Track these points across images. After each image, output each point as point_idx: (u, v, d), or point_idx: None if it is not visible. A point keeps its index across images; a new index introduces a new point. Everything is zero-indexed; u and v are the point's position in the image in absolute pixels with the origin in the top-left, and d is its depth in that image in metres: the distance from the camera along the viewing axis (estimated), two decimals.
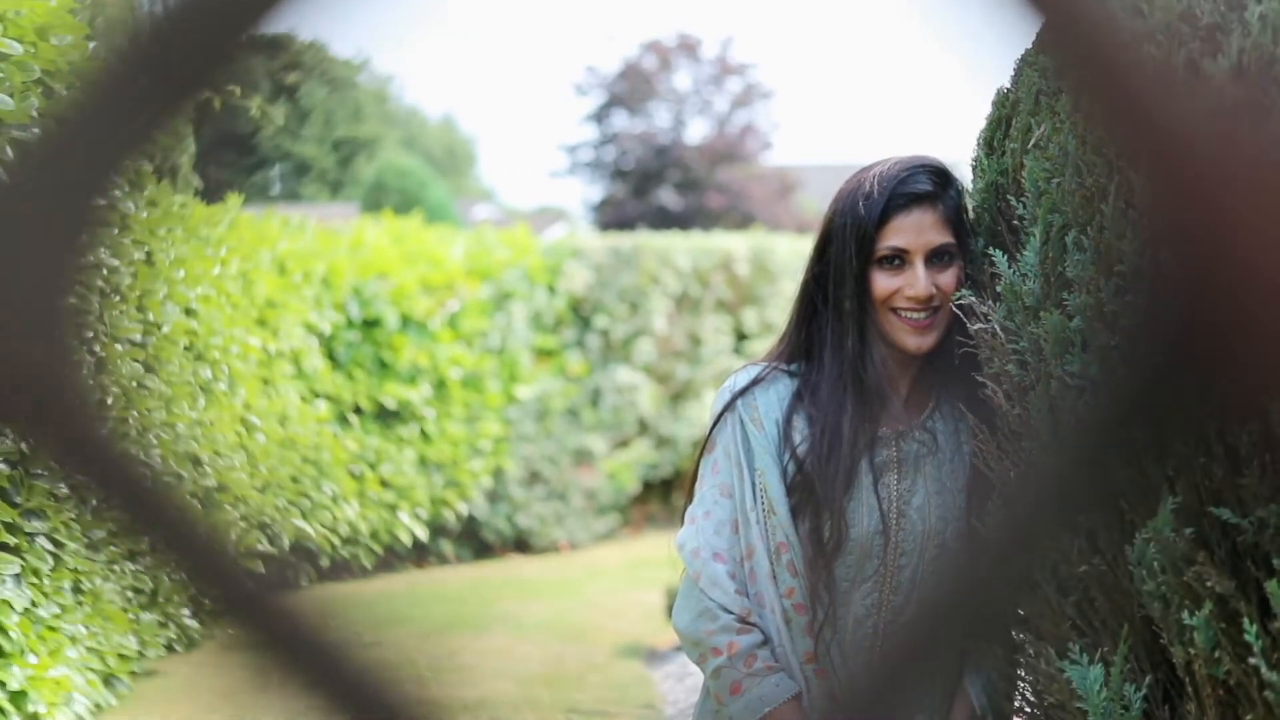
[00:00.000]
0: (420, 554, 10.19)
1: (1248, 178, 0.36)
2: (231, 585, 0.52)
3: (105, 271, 5.36)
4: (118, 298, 5.69)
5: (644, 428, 12.15)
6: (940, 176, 2.47)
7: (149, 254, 6.47)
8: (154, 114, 0.35)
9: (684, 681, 6.98)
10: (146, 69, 0.34)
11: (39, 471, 4.41)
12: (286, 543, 8.86)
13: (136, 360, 5.97)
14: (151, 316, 6.38)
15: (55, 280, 0.34)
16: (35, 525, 4.59)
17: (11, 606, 4.72)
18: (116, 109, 0.35)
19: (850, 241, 2.44)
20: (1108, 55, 0.40)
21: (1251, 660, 1.80)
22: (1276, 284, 0.37)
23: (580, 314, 11.76)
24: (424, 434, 9.83)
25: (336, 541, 9.33)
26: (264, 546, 8.10)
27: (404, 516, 9.71)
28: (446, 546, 10.35)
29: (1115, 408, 0.42)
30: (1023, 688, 2.40)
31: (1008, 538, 0.47)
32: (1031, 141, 2.27)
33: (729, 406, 2.53)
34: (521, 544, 10.81)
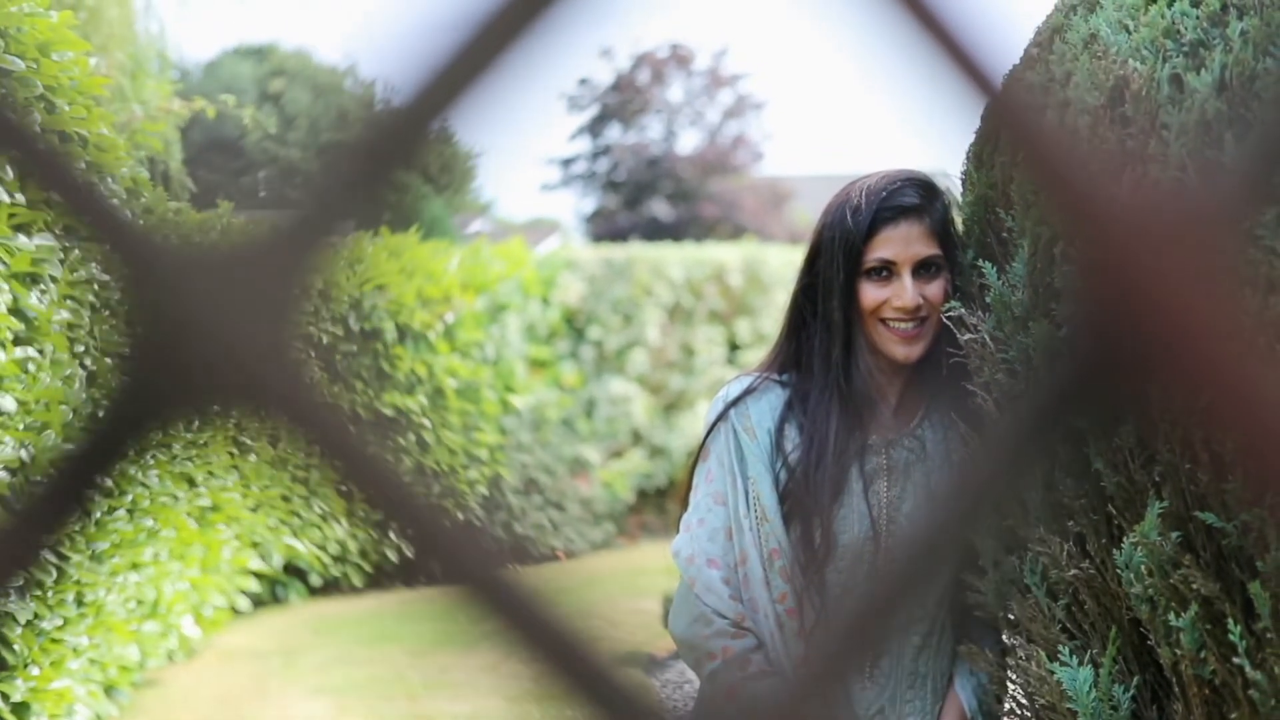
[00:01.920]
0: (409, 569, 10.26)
1: (1163, 262, 0.41)
2: (453, 551, 0.54)
3: (96, 286, 5.39)
4: (108, 312, 5.72)
5: (638, 438, 12.18)
6: (927, 190, 2.51)
7: None
8: (364, 185, 0.42)
9: (683, 689, 7.02)
10: (364, 153, 0.41)
11: (38, 479, 4.44)
12: (278, 561, 8.91)
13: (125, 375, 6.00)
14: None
15: (289, 293, 0.41)
16: None
17: (15, 619, 4.75)
18: (341, 177, 0.42)
19: (838, 254, 2.48)
20: (1039, 140, 0.44)
21: (1236, 660, 1.84)
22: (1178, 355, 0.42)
23: (574, 325, 11.80)
24: (420, 443, 9.87)
25: (328, 560, 9.38)
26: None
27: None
28: None
29: (1051, 394, 0.48)
30: (1014, 690, 2.44)
31: (988, 474, 0.51)
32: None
33: (722, 416, 2.57)
34: (519, 552, 10.83)
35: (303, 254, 0.41)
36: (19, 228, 4.35)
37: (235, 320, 0.41)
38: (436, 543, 0.53)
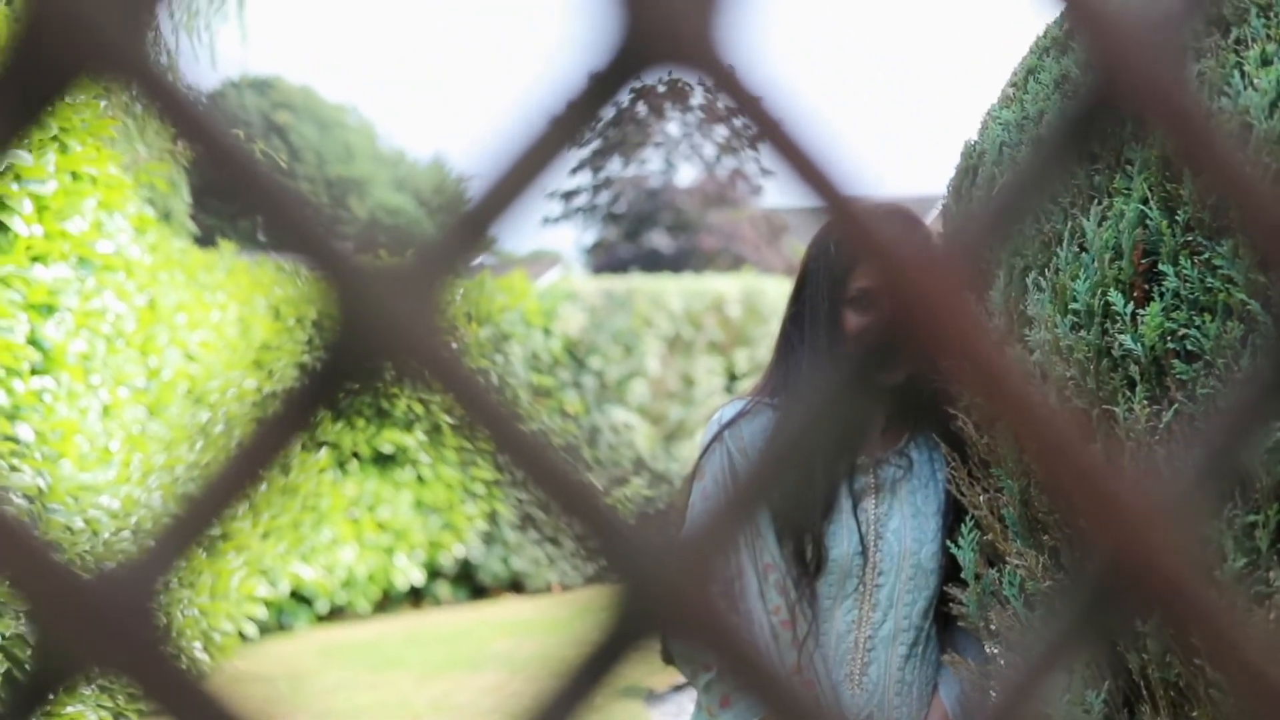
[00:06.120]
0: (416, 596, 10.39)
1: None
2: (596, 519, 0.58)
3: (112, 317, 5.51)
4: (122, 343, 5.84)
5: (641, 466, 12.27)
6: (907, 221, 2.63)
7: (151, 300, 6.63)
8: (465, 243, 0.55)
9: None
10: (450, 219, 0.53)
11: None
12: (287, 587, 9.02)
13: (140, 403, 6.13)
14: (154, 362, 6.52)
15: (438, 297, 0.53)
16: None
17: (27, 643, 4.85)
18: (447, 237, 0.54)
19: (823, 283, 2.60)
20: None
21: (1197, 661, 1.96)
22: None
23: (575, 356, 11.92)
24: (420, 478, 10.02)
25: (334, 586, 9.50)
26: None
27: (401, 560, 9.91)
28: (443, 588, 10.52)
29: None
30: (995, 697, 2.55)
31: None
32: (995, 190, 2.43)
33: (717, 437, 2.68)
34: (516, 585, 10.97)
35: (438, 277, 0.53)
36: (36, 259, 4.48)
37: (404, 311, 0.53)
38: (595, 522, 0.58)
